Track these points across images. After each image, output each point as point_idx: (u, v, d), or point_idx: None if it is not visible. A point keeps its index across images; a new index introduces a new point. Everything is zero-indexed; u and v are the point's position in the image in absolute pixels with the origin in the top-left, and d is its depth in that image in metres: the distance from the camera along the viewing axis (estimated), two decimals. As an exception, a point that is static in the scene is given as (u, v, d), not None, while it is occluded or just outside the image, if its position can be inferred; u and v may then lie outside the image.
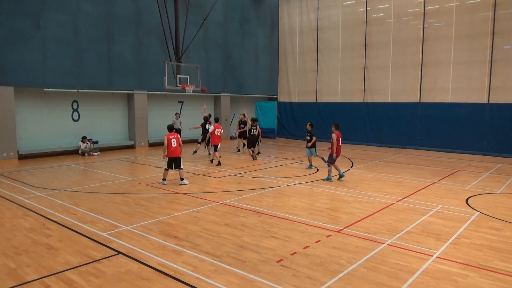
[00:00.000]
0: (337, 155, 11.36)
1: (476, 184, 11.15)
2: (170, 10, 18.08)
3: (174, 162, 10.76)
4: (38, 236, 6.69)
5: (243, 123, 17.83)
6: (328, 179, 11.39)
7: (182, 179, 10.86)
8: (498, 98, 17.04)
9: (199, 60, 20.99)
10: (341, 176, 11.49)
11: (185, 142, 17.30)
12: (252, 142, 15.80)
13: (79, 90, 17.15)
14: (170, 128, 11.24)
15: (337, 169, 11.55)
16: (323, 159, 13.41)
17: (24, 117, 15.97)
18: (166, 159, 10.80)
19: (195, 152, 17.00)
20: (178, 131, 18.08)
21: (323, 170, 13.22)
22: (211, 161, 14.70)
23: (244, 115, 18.05)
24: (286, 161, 15.48)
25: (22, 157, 15.66)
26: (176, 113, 20.34)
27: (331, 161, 11.38)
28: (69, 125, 17.52)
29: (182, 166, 10.90)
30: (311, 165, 13.68)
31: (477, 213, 8.13)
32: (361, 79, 21.29)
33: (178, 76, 17.99)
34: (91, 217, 7.81)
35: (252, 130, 15.73)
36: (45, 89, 16.08)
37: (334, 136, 11.23)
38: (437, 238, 6.58)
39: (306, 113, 23.89)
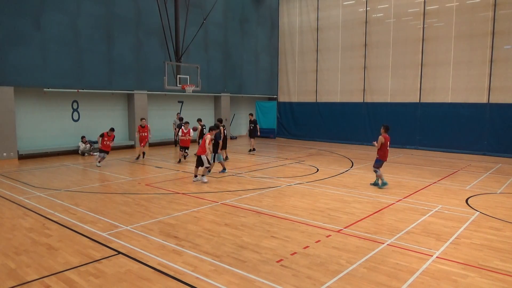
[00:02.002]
0: (384, 160, 10.61)
1: (476, 184, 11.15)
2: (170, 10, 18.08)
3: (197, 160, 11.35)
4: (38, 236, 6.69)
5: (253, 122, 18.47)
6: (384, 183, 10.52)
7: (195, 176, 11.45)
8: (498, 98, 17.03)
9: (199, 60, 20.98)
10: (375, 184, 10.70)
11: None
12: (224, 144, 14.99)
13: (79, 90, 17.15)
14: (211, 129, 11.79)
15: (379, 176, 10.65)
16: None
17: (24, 117, 15.98)
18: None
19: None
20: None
21: (323, 170, 13.22)
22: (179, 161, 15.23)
23: (252, 114, 18.90)
24: (286, 161, 15.48)
25: (22, 157, 15.66)
26: (178, 113, 20.37)
27: (378, 165, 10.57)
28: (69, 125, 17.52)
29: (206, 165, 11.22)
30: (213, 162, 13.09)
31: (477, 213, 8.13)
32: (361, 79, 21.29)
33: (178, 76, 17.99)
34: (91, 217, 7.81)
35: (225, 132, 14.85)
36: (45, 89, 16.08)
37: (381, 138, 10.49)
38: (437, 238, 6.58)
39: (306, 113, 23.91)
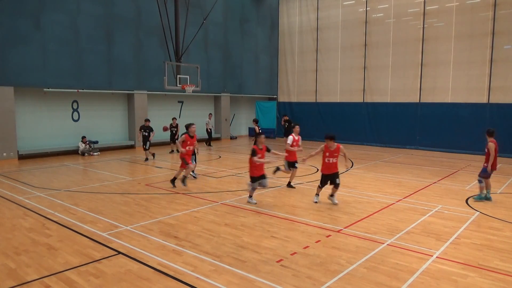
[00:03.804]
0: (493, 169, 9.08)
1: (476, 184, 11.12)
2: (170, 10, 18.07)
3: (330, 179, 8.97)
4: (38, 236, 6.69)
5: (287, 121, 19.12)
6: (480, 197, 9.10)
7: (332, 195, 9.03)
8: (498, 98, 17.03)
9: (199, 60, 20.98)
10: (487, 198, 9.06)
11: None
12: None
13: (79, 90, 17.16)
14: (330, 137, 9.19)
15: (486, 187, 9.09)
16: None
17: (24, 117, 15.98)
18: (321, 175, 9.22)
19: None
20: (210, 132, 18.56)
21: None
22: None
23: (285, 114, 19.97)
24: (286, 161, 15.45)
25: (22, 157, 15.66)
26: (210, 114, 20.73)
27: (485, 175, 9.02)
28: (69, 125, 17.53)
29: (338, 181, 8.93)
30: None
31: (477, 213, 8.13)
32: (360, 79, 21.28)
33: (178, 76, 17.99)
34: (91, 217, 7.81)
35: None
36: (45, 89, 16.09)
37: (492, 145, 8.99)
38: (437, 238, 6.58)
39: (306, 113, 23.90)
